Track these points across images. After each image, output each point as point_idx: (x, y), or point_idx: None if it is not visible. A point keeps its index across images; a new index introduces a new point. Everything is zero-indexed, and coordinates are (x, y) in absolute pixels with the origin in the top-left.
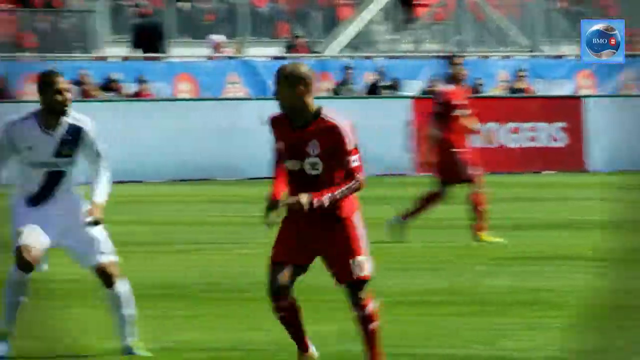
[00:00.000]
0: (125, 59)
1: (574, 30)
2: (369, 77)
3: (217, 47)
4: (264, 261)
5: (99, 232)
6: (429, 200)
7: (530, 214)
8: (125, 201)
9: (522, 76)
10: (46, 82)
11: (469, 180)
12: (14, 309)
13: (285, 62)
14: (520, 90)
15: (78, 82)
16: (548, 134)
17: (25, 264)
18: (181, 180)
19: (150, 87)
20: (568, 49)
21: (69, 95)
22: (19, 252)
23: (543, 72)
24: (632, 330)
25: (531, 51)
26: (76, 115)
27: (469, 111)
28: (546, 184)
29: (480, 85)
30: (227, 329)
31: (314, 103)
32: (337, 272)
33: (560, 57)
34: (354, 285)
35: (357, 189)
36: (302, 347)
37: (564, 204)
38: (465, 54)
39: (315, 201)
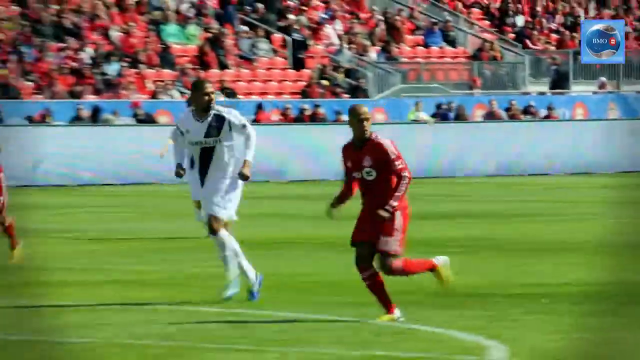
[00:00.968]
0: (541, 93)
1: None
2: None
3: (602, 85)
4: None
5: (230, 192)
6: None
7: None
8: None
9: None
10: (196, 87)
11: None
12: (226, 262)
13: None
14: None
15: (508, 109)
16: None
17: (213, 230)
18: None
19: (555, 112)
20: None
21: (213, 96)
22: (209, 222)
23: None
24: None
25: None
26: (220, 108)
27: None
28: None
29: None
30: None
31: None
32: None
33: None
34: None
35: (407, 183)
36: (386, 308)
37: None
38: None
39: (389, 208)
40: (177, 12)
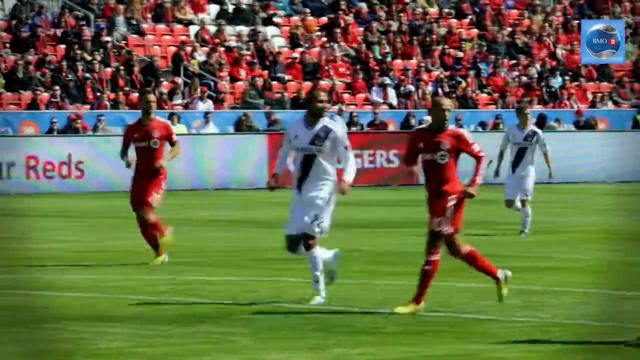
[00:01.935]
0: None
1: None
2: None
3: None
4: None
5: (323, 208)
6: None
7: None
8: None
9: None
10: (311, 94)
11: None
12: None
13: None
14: None
15: None
16: None
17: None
18: None
19: None
20: None
21: (326, 105)
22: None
23: None
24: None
25: None
26: (330, 121)
27: None
28: None
29: None
30: None
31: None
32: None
33: None
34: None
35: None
36: (419, 297)
37: None
38: None
39: (477, 187)
40: None
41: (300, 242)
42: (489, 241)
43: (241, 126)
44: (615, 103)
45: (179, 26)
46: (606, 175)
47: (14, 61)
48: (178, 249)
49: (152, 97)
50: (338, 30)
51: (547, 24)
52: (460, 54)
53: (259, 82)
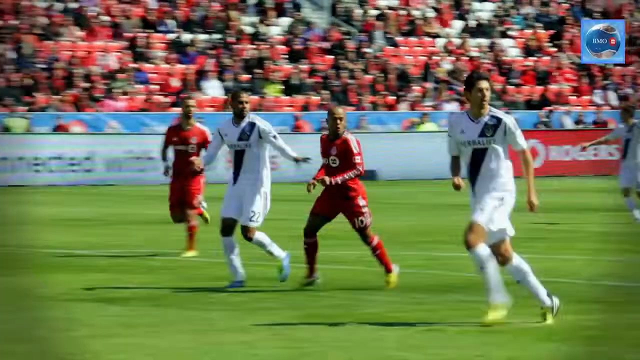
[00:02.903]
0: None
1: None
2: None
3: None
4: None
5: (258, 204)
6: None
7: None
8: None
9: None
10: (233, 96)
11: None
12: (231, 264)
13: None
14: None
15: None
16: None
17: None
18: None
19: None
20: None
21: (247, 106)
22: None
23: None
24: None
25: None
26: (254, 117)
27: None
28: None
29: None
30: None
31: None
32: (351, 224)
33: None
34: (360, 232)
35: (357, 175)
36: (310, 273)
37: None
38: None
39: (333, 181)
40: None
41: (233, 227)
42: None
43: None
44: None
45: (428, 39)
46: None
47: (289, 70)
48: (429, 227)
49: (192, 102)
50: (565, 41)
51: None
52: None
53: (497, 87)
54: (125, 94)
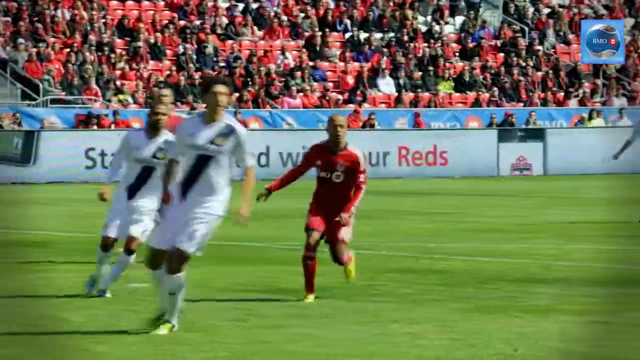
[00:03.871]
0: None
1: None
2: None
3: None
4: None
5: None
6: None
7: None
8: None
9: None
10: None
11: None
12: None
13: None
14: None
15: None
16: None
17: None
18: None
19: None
20: None
21: (162, 117)
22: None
23: None
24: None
25: None
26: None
27: None
28: None
29: None
30: None
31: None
32: (335, 234)
33: None
34: (338, 244)
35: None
36: (308, 289)
37: None
38: None
39: (348, 215)
40: None
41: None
42: None
43: None
44: None
45: None
46: None
47: (462, 67)
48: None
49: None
50: None
51: None
52: None
53: None
54: (301, 91)
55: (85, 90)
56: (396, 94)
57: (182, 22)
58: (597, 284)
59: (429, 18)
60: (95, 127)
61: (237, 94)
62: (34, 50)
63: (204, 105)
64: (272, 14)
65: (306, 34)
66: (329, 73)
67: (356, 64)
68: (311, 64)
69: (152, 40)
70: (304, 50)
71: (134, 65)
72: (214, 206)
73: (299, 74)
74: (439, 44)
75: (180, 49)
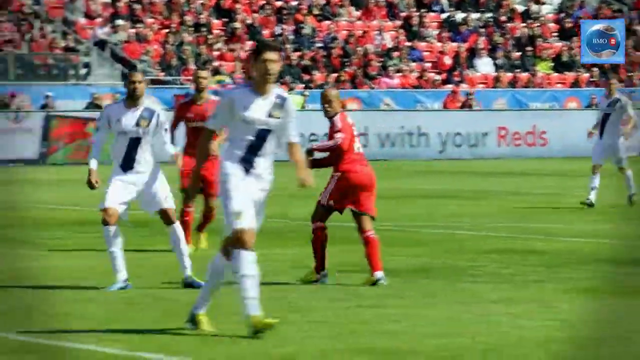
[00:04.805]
0: None
1: None
2: None
3: None
4: None
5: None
6: None
7: None
8: None
9: None
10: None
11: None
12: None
13: None
14: None
15: None
16: None
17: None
18: None
19: None
20: None
21: (139, 86)
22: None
23: None
24: None
25: None
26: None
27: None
28: None
29: None
30: None
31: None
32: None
33: None
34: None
35: (334, 145)
36: (318, 268)
37: None
38: None
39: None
40: None
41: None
42: None
43: None
44: None
45: None
46: None
47: (560, 47)
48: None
49: (203, 74)
50: None
51: None
52: None
53: None
54: (399, 71)
55: (183, 71)
56: (494, 74)
57: (278, 3)
58: None
59: None
60: None
61: (335, 75)
62: (132, 31)
63: (255, 72)
64: None
65: (403, 14)
66: (426, 53)
67: (454, 44)
68: (408, 44)
69: (249, 21)
70: (401, 30)
71: (231, 46)
72: (270, 180)
73: (396, 54)
74: (537, 24)
75: (277, 30)
